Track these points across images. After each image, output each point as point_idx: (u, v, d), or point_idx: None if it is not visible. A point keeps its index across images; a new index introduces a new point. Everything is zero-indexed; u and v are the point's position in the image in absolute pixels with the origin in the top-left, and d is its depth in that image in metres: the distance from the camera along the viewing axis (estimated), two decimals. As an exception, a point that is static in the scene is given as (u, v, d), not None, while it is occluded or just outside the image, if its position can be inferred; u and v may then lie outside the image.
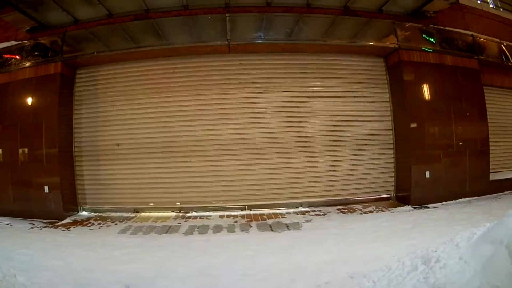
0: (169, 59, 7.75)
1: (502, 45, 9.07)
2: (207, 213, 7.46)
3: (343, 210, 7.37)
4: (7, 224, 7.28)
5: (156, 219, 7.29)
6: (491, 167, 8.33)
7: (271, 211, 7.43)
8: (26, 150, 7.60)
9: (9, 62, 8.03)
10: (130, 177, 7.81)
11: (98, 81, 8.01)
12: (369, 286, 3.44)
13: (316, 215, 7.05)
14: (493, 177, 8.38)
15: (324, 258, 4.45)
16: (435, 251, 3.56)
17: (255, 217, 7.03)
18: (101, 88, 7.99)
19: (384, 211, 7.20)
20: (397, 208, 7.37)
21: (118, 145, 7.87)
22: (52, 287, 3.77)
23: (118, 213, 7.76)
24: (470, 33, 8.51)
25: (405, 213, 6.95)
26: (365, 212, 7.12)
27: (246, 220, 6.88)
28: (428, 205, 7.40)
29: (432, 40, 8.05)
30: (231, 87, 7.71)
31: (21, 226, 7.12)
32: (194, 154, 7.66)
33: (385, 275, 3.55)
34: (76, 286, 3.85)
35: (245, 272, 4.12)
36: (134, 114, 7.80)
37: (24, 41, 8.02)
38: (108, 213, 7.77)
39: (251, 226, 6.39)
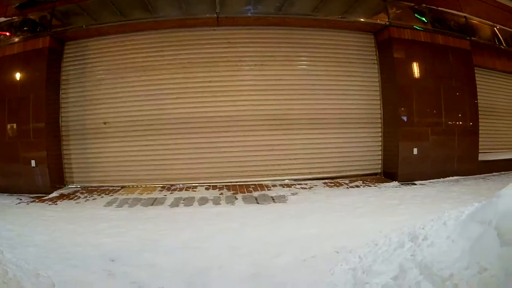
0: (157, 32, 7.72)
1: (495, 28, 9.05)
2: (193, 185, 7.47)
3: (329, 184, 7.40)
4: None
5: (142, 191, 7.30)
6: (480, 147, 8.34)
7: (257, 184, 7.44)
8: (14, 125, 7.60)
9: (-1, 38, 8.00)
10: (117, 154, 7.83)
11: (86, 56, 7.96)
12: (355, 262, 3.44)
13: (302, 188, 7.08)
14: (481, 157, 8.40)
15: (310, 231, 4.46)
16: (423, 228, 3.57)
17: (241, 189, 7.06)
18: (89, 64, 7.95)
19: (371, 186, 7.23)
20: (384, 183, 7.39)
21: (105, 123, 7.87)
22: (39, 263, 3.74)
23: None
24: (463, 14, 8.48)
25: (392, 189, 6.97)
26: (351, 187, 7.15)
27: (231, 192, 6.91)
28: (416, 182, 7.42)
29: (424, 19, 8.03)
30: (219, 63, 7.69)
31: (7, 201, 7.11)
32: (181, 131, 7.66)
33: (372, 251, 3.55)
34: (62, 260, 3.84)
35: (230, 245, 4.13)
36: (122, 92, 7.78)
37: (13, 17, 7.96)
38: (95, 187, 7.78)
39: (236, 199, 6.42)
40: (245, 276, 3.37)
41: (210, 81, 7.65)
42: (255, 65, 7.73)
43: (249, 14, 7.41)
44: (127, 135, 7.75)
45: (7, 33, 7.97)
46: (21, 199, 7.14)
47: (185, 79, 7.64)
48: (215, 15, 7.30)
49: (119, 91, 7.77)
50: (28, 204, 6.86)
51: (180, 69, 7.67)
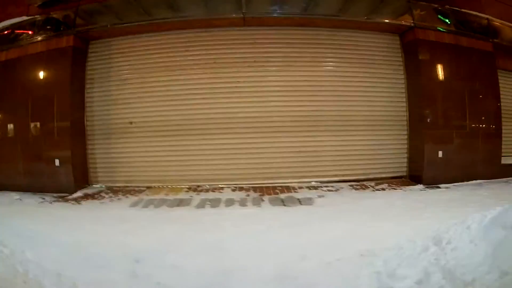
0: (183, 32, 7.67)
1: (518, 30, 8.95)
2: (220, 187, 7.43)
3: (355, 186, 7.32)
4: (17, 198, 7.23)
5: (168, 192, 7.25)
6: (502, 151, 8.24)
7: (284, 186, 7.37)
8: (37, 124, 7.59)
9: (21, 37, 7.99)
10: (143, 155, 7.78)
11: (112, 55, 7.94)
12: (380, 265, 3.42)
13: (328, 190, 7.01)
14: (504, 161, 8.29)
15: (335, 234, 4.41)
16: (446, 232, 3.60)
17: (268, 191, 6.99)
18: (114, 63, 7.92)
19: (396, 189, 7.15)
20: (409, 186, 7.32)
21: (131, 123, 7.83)
22: (61, 263, 3.73)
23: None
24: (486, 16, 8.39)
25: (417, 192, 6.89)
26: (377, 190, 7.08)
27: (258, 194, 6.85)
28: (440, 185, 7.34)
29: (447, 20, 7.95)
30: (246, 64, 7.63)
31: (31, 200, 7.08)
32: (208, 132, 7.60)
33: (396, 255, 3.54)
34: (85, 261, 3.83)
35: (255, 247, 4.09)
36: (148, 92, 7.74)
37: (36, 16, 7.97)
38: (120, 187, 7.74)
39: (263, 200, 6.36)
40: (268, 278, 3.37)
41: (237, 82, 7.60)
42: (283, 64, 7.65)
43: (275, 15, 7.36)
44: (153, 135, 7.70)
45: (30, 32, 7.95)
46: (44, 199, 7.10)
47: (212, 80, 7.59)
48: (242, 15, 7.25)
49: (145, 91, 7.73)
50: (51, 203, 6.82)
51: (207, 69, 7.62)
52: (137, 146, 7.78)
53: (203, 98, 7.59)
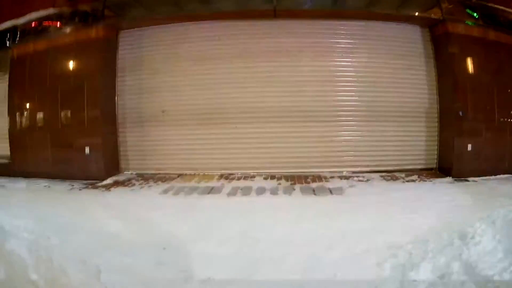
0: (213, 23, 7.71)
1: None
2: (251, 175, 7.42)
3: (386, 177, 7.26)
4: (46, 185, 7.31)
5: (199, 179, 7.25)
6: (531, 145, 8.13)
7: (315, 175, 7.34)
8: (67, 112, 7.67)
9: (49, 29, 8.06)
10: (175, 142, 7.83)
11: (142, 45, 8.00)
12: (405, 258, 3.42)
13: (359, 180, 6.97)
14: (533, 155, 8.18)
15: (364, 225, 4.40)
16: (472, 226, 3.62)
17: (299, 180, 6.96)
18: (145, 52, 7.97)
19: (426, 181, 7.07)
20: (439, 179, 7.24)
21: (163, 111, 7.85)
22: (87, 249, 3.74)
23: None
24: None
25: (446, 185, 6.81)
26: (407, 181, 7.01)
27: (290, 182, 6.81)
28: (468, 179, 7.25)
29: (475, 14, 7.91)
30: (277, 54, 7.63)
31: (60, 187, 7.13)
32: (240, 120, 7.62)
33: (422, 248, 3.55)
34: (112, 248, 3.83)
35: (284, 236, 4.09)
36: (179, 81, 7.79)
37: (63, 8, 8.02)
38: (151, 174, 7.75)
39: (294, 189, 6.33)
40: (296, 267, 3.36)
41: (269, 71, 7.60)
42: (314, 55, 7.66)
43: (306, 7, 7.37)
44: (185, 124, 7.74)
45: (58, 24, 8.00)
46: (73, 186, 7.15)
47: (243, 69, 7.61)
48: (272, 7, 7.27)
49: (176, 80, 7.78)
50: (80, 190, 6.87)
51: (238, 59, 7.64)
52: (169, 134, 7.82)
53: (236, 88, 7.62)
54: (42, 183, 7.51)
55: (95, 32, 7.64)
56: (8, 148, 8.44)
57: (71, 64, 7.68)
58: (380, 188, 6.48)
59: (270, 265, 3.41)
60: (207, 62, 7.69)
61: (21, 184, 7.65)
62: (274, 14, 7.46)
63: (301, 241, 3.93)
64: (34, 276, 3.11)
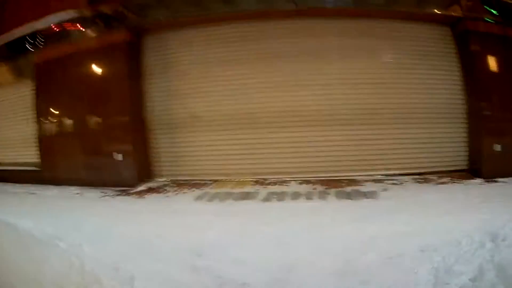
0: (237, 24, 7.64)
1: None
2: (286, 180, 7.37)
3: (418, 180, 7.26)
4: (77, 193, 7.34)
5: (234, 185, 7.23)
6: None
7: (349, 179, 7.33)
8: (96, 118, 7.71)
9: (71, 32, 8.01)
10: (208, 148, 7.78)
11: (168, 49, 7.95)
12: (438, 261, 3.41)
13: (393, 184, 6.96)
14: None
15: (397, 229, 4.38)
16: (502, 228, 3.64)
17: (334, 184, 6.94)
18: (171, 56, 7.92)
19: (456, 183, 7.06)
20: (469, 180, 7.23)
21: (194, 116, 7.79)
22: (121, 256, 3.75)
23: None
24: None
25: (476, 186, 6.79)
26: (439, 183, 7.00)
27: (324, 187, 6.80)
28: (498, 180, 7.24)
29: (494, 11, 7.86)
30: (303, 55, 7.54)
31: (91, 195, 7.16)
32: (272, 125, 7.55)
33: (454, 250, 3.55)
34: (146, 254, 3.84)
35: (319, 242, 4.08)
36: (209, 85, 7.72)
37: (84, 11, 7.93)
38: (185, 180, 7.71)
39: (329, 194, 6.32)
40: (330, 272, 3.36)
41: (297, 74, 7.52)
42: (340, 57, 7.59)
43: (327, 5, 7.33)
44: (218, 129, 7.68)
45: (80, 27, 7.93)
46: (105, 193, 7.17)
47: (271, 72, 7.53)
48: (295, 6, 7.21)
49: (206, 84, 7.71)
50: (113, 197, 6.90)
51: (266, 61, 7.56)
52: (202, 140, 7.77)
53: (265, 91, 7.55)
54: (73, 190, 7.54)
55: (119, 35, 7.62)
56: (36, 155, 8.49)
57: (96, 69, 7.69)
58: (412, 191, 6.47)
59: (304, 270, 3.42)
60: (235, 65, 7.62)
61: (52, 191, 7.72)
62: (298, 13, 7.42)
63: (336, 245, 3.94)
64: (66, 284, 3.16)
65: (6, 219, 4.43)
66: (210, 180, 7.59)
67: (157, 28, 7.83)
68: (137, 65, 7.85)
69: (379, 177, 7.38)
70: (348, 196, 6.20)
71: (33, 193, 7.83)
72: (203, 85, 7.74)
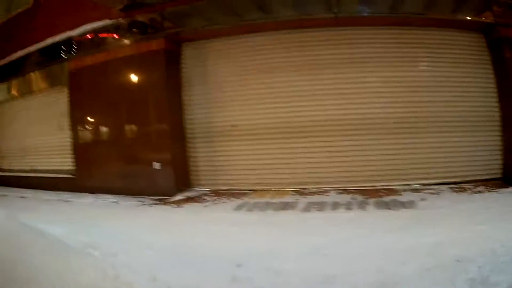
0: (275, 33, 7.62)
1: None
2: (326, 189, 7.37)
3: (455, 189, 7.23)
4: (113, 201, 7.38)
5: (273, 195, 7.20)
6: None
7: (387, 188, 7.32)
8: (133, 127, 7.77)
9: (107, 40, 8.08)
10: (247, 157, 7.75)
11: (206, 57, 7.95)
12: (474, 271, 3.36)
13: (430, 193, 6.92)
14: None
15: (435, 239, 4.33)
16: None
17: (372, 194, 6.93)
18: (209, 65, 7.92)
19: (492, 191, 6.98)
20: (504, 189, 7.16)
21: (233, 126, 7.78)
22: (158, 266, 3.70)
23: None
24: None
25: (511, 195, 6.73)
26: (475, 192, 6.95)
27: (363, 197, 6.80)
28: (533, 188, 7.23)
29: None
30: (343, 64, 7.52)
31: (128, 203, 7.20)
32: (312, 134, 7.50)
33: (490, 260, 3.49)
34: (184, 264, 3.80)
35: (357, 252, 4.06)
36: (247, 94, 7.72)
37: (119, 19, 7.99)
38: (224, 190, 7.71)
39: (368, 204, 6.31)
40: (370, 284, 3.33)
41: (336, 83, 7.49)
42: (378, 66, 7.58)
43: (365, 14, 7.30)
44: (257, 138, 7.66)
45: (115, 36, 8.02)
46: (142, 201, 7.20)
47: (311, 81, 7.51)
48: (333, 15, 7.17)
49: (244, 93, 7.71)
50: (150, 206, 6.91)
51: (305, 70, 7.53)
52: (241, 149, 7.75)
53: (304, 100, 7.51)
54: (109, 198, 7.58)
55: (156, 44, 7.62)
56: (70, 163, 8.58)
57: (133, 77, 7.74)
58: (449, 201, 6.42)
59: (343, 281, 3.39)
60: (274, 74, 7.60)
61: (87, 199, 7.75)
62: (336, 22, 7.37)
63: (375, 256, 3.92)
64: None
65: (39, 227, 4.21)
66: (249, 190, 7.56)
67: (195, 37, 7.83)
68: (175, 73, 7.86)
69: (416, 186, 7.37)
70: (387, 206, 6.17)
71: (67, 201, 7.89)
72: (241, 95, 7.73)
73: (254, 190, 7.52)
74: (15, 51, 10.11)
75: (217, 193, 7.47)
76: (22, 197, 8.88)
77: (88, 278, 3.25)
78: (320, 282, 3.36)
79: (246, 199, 6.93)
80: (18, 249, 3.26)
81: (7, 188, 10.01)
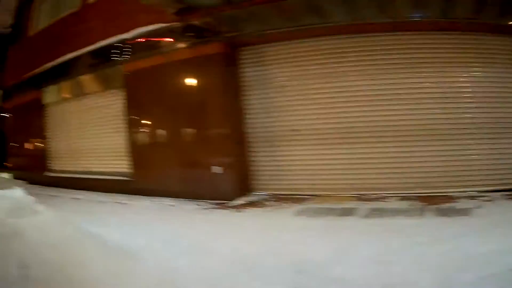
0: (330, 38, 7.61)
1: None
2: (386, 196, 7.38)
3: (509, 196, 7.27)
4: (171, 205, 7.47)
5: (334, 201, 7.21)
6: None
7: (444, 195, 7.28)
8: (191, 130, 7.84)
9: (161, 44, 8.18)
10: (308, 162, 7.72)
11: (264, 62, 7.96)
12: None
13: (485, 200, 6.88)
14: None
15: (491, 247, 4.30)
16: None
17: (431, 201, 6.88)
18: (268, 70, 7.93)
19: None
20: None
21: (294, 130, 7.78)
22: (215, 273, 3.73)
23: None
24: None
25: None
26: (527, 199, 6.91)
27: (422, 203, 6.77)
28: None
29: None
30: (399, 69, 7.49)
31: (187, 207, 7.27)
32: (372, 139, 7.48)
33: None
34: (243, 270, 3.82)
35: (416, 259, 4.08)
36: (308, 99, 7.70)
37: (173, 23, 8.02)
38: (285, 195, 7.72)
39: (426, 211, 6.30)
40: None
41: (394, 88, 7.47)
42: (434, 71, 7.52)
43: (417, 19, 7.24)
44: (318, 143, 7.65)
45: (169, 39, 8.12)
46: (201, 205, 7.24)
47: (368, 86, 7.50)
48: (389, 19, 7.17)
49: (305, 98, 7.70)
50: (210, 210, 6.97)
51: (363, 75, 7.53)
52: (302, 154, 7.74)
53: (363, 105, 7.50)
54: (167, 201, 7.66)
55: (213, 48, 7.67)
56: (126, 165, 8.73)
57: (190, 80, 7.82)
58: (504, 208, 6.41)
59: None
60: (333, 79, 7.58)
61: (143, 202, 7.83)
62: (392, 27, 7.39)
63: (433, 264, 3.94)
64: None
65: (94, 230, 4.34)
66: (309, 195, 7.56)
67: (252, 41, 7.83)
68: (233, 77, 7.89)
69: (471, 193, 7.40)
70: (444, 213, 6.16)
71: (123, 204, 7.99)
72: (301, 99, 7.73)
73: (315, 195, 7.52)
74: (64, 53, 10.35)
75: (278, 198, 7.48)
76: (75, 198, 9.05)
77: (143, 282, 3.35)
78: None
79: (306, 205, 6.94)
80: (73, 253, 3.42)
81: (59, 189, 10.23)
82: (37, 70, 11.63)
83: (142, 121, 8.57)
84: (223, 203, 7.27)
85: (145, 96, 8.51)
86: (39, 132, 12.12)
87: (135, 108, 8.69)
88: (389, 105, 7.44)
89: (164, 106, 8.18)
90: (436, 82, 7.50)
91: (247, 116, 8.01)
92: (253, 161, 8.02)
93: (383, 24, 7.31)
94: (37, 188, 9.99)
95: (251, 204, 7.22)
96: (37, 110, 11.98)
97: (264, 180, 7.99)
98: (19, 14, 13.93)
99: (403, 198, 7.11)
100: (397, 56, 7.49)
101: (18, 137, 13.41)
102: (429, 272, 3.68)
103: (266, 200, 7.47)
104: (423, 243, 4.65)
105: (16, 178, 12.71)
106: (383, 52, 7.50)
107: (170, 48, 8.08)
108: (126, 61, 8.72)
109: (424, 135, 7.38)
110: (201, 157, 7.75)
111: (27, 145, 12.73)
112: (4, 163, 14.91)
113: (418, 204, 6.75)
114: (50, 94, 11.65)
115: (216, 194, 7.48)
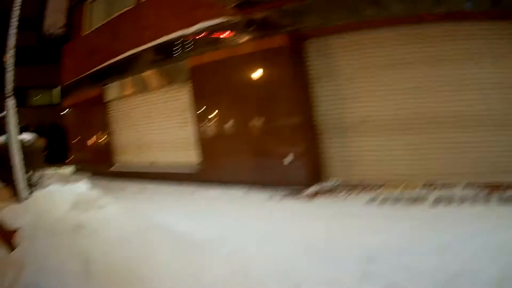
0: (391, 29, 7.58)
1: None
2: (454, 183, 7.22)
3: None
4: (241, 195, 7.62)
5: (404, 189, 7.18)
6: None
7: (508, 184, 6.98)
8: (261, 121, 8.02)
9: (224, 38, 8.40)
10: (378, 151, 7.77)
11: (330, 53, 8.02)
12: None
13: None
14: None
15: None
16: None
17: (495, 189, 6.65)
18: (334, 61, 8.01)
19: None
20: None
21: (364, 119, 7.83)
22: (286, 260, 3.74)
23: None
24: None
25: None
26: None
27: (487, 191, 6.59)
28: None
29: None
30: (463, 59, 7.37)
31: (258, 196, 7.37)
32: (438, 127, 7.43)
33: None
34: (313, 258, 3.82)
35: (483, 247, 3.98)
36: (375, 89, 7.73)
37: (234, 17, 8.26)
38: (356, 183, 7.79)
39: (491, 199, 6.22)
40: (493, 280, 3.31)
41: (459, 77, 7.36)
42: (495, 61, 7.29)
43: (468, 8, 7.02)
44: (387, 132, 7.67)
45: (232, 33, 8.32)
46: (272, 195, 7.32)
47: (435, 74, 7.45)
48: (444, 10, 7.02)
49: (373, 87, 7.74)
50: (281, 199, 7.08)
51: (429, 63, 7.47)
52: (373, 143, 7.79)
53: (431, 93, 7.44)
54: (237, 190, 7.83)
55: (278, 41, 7.80)
56: (195, 156, 9.05)
57: (257, 73, 7.99)
58: None
59: (470, 278, 3.37)
60: (398, 69, 7.57)
61: (213, 192, 8.03)
62: (449, 17, 7.24)
63: (497, 252, 3.81)
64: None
65: (163, 221, 4.33)
66: (380, 183, 7.56)
67: (316, 33, 7.89)
68: (300, 69, 7.97)
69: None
70: (509, 201, 6.08)
71: (192, 194, 8.20)
72: (369, 89, 7.77)
73: (385, 183, 7.51)
74: (124, 50, 10.74)
75: (349, 186, 7.52)
76: (142, 190, 9.36)
77: (215, 274, 3.36)
78: (447, 280, 3.38)
79: (377, 193, 6.98)
80: (142, 246, 3.47)
81: (125, 182, 10.63)
82: (97, 68, 12.13)
83: (210, 113, 8.81)
84: (295, 191, 7.38)
85: (211, 89, 8.76)
86: (103, 127, 12.59)
87: (202, 101, 8.95)
88: (455, 93, 7.35)
89: (231, 98, 8.43)
90: (497, 72, 7.28)
91: (316, 105, 8.09)
92: (324, 150, 8.11)
93: (438, 15, 7.19)
94: (102, 181, 10.39)
95: (323, 192, 7.30)
96: (100, 106, 12.47)
97: (335, 169, 8.07)
98: (71, 14, 14.41)
99: (470, 186, 6.96)
100: (460, 46, 7.38)
101: (80, 133, 13.86)
102: (498, 260, 3.64)
103: (336, 188, 7.53)
104: (491, 231, 4.59)
105: (79, 172, 13.25)
106: (441, 42, 7.43)
107: (234, 42, 8.27)
108: (191, 56, 8.97)
109: (490, 123, 7.24)
110: (273, 147, 7.91)
111: (90, 140, 13.15)
112: (66, 159, 15.51)
113: (483, 192, 6.61)
114: (112, 90, 12.08)
115: (288, 183, 7.61)
